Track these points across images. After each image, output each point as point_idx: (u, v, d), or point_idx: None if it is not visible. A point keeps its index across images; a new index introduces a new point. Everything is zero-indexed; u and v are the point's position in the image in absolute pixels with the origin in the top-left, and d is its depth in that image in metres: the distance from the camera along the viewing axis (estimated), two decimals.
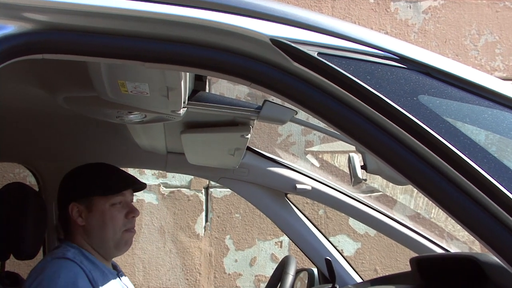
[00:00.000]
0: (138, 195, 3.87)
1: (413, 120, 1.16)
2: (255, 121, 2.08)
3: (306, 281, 2.67)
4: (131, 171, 3.74)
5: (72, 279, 1.81)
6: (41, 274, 1.84)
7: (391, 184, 4.00)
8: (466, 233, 1.16)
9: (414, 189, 1.21)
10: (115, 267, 2.13)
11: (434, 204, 1.18)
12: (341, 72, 1.20)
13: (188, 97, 1.88)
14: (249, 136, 2.04)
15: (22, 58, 1.16)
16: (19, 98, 1.95)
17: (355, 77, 1.20)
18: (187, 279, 3.94)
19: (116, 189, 2.03)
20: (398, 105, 1.17)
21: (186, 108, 1.88)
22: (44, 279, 1.81)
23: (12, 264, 2.24)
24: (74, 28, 1.16)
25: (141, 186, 2.16)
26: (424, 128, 1.16)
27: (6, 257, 2.02)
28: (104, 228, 2.01)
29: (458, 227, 3.79)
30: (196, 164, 2.54)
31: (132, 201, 2.13)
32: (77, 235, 2.03)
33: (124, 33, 1.18)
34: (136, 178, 2.15)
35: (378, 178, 3.97)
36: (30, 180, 3.32)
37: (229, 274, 3.99)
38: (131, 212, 2.06)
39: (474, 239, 1.14)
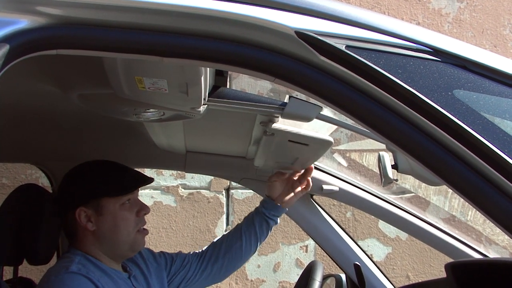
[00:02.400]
0: (156, 197, 3.89)
1: (448, 117, 1.15)
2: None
3: None
4: (148, 171, 3.78)
5: None
6: None
7: (423, 184, 3.97)
8: (506, 237, 1.15)
9: (449, 189, 1.20)
10: (125, 268, 2.13)
11: (470, 206, 1.17)
12: (371, 66, 1.20)
13: (208, 93, 1.89)
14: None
15: (35, 54, 1.17)
16: (31, 96, 1.98)
17: (385, 71, 1.19)
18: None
19: (127, 189, 2.02)
20: (431, 101, 1.17)
21: (206, 105, 1.89)
22: None
23: (25, 270, 2.27)
24: (89, 22, 1.17)
25: (151, 181, 2.14)
26: (459, 125, 1.15)
27: (19, 262, 2.04)
28: (117, 230, 1.99)
29: (497, 230, 3.75)
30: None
31: (138, 196, 2.12)
32: (86, 241, 2.01)
33: (141, 27, 1.19)
34: (143, 174, 2.13)
35: (410, 178, 3.94)
36: (42, 181, 3.37)
37: (251, 281, 4.00)
38: (142, 209, 2.05)
39: None
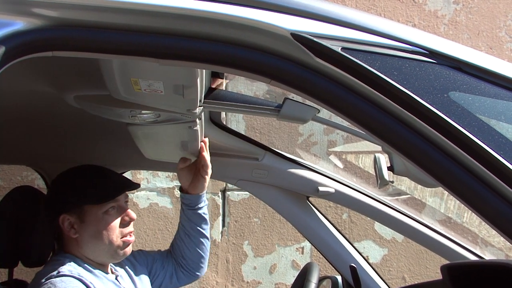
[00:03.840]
0: (152, 199, 3.89)
1: (443, 118, 1.16)
2: (203, 113, 2.07)
3: None
4: (144, 172, 3.77)
5: None
6: None
7: (419, 186, 3.98)
8: (502, 238, 1.15)
9: (445, 191, 1.21)
10: (112, 270, 2.11)
11: (466, 208, 1.17)
12: (367, 68, 1.20)
13: (204, 95, 1.89)
14: (197, 128, 2.01)
15: (31, 55, 1.17)
16: (27, 97, 1.97)
17: (381, 73, 1.20)
18: (203, 287, 3.95)
19: (109, 196, 1.97)
20: (427, 103, 1.17)
21: (202, 107, 1.89)
22: None
23: (20, 272, 2.27)
24: (85, 24, 1.18)
25: (136, 186, 2.10)
26: (455, 127, 1.15)
27: (15, 264, 2.04)
28: (99, 238, 1.96)
29: (493, 232, 3.76)
30: (154, 159, 2.53)
31: (127, 202, 2.07)
32: (71, 247, 1.98)
33: (137, 29, 1.19)
34: (128, 179, 2.09)
35: (406, 180, 3.95)
36: (38, 183, 3.36)
37: (247, 282, 4.00)
38: (127, 216, 2.00)
39: (511, 245, 1.14)
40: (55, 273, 1.85)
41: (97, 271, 1.97)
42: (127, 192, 2.07)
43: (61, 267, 1.88)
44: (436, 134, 1.16)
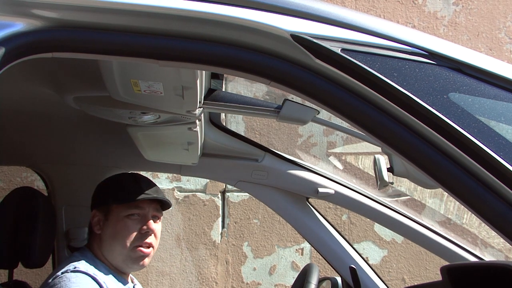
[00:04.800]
0: None
1: (443, 120, 1.16)
2: (203, 114, 2.06)
3: None
4: (143, 174, 3.77)
5: None
6: None
7: (419, 187, 3.98)
8: (502, 240, 1.15)
9: (444, 192, 1.21)
10: (132, 280, 2.13)
11: (466, 209, 1.17)
12: (366, 69, 1.20)
13: (204, 96, 1.89)
14: (197, 129, 2.02)
15: (31, 57, 1.17)
16: (27, 99, 1.98)
17: (381, 74, 1.20)
18: None
19: (130, 198, 2.01)
20: (427, 104, 1.17)
21: (202, 108, 1.89)
22: None
23: (20, 273, 2.27)
24: (84, 25, 1.17)
25: (164, 201, 2.10)
26: (455, 128, 1.15)
27: (14, 265, 2.04)
28: (115, 239, 2.00)
29: (493, 233, 3.75)
30: (154, 161, 2.53)
31: (157, 221, 2.09)
32: (94, 244, 2.05)
33: (137, 30, 1.19)
34: (159, 193, 2.10)
35: (406, 182, 3.95)
36: (38, 184, 3.36)
37: (247, 283, 4.00)
38: (145, 225, 2.02)
39: (511, 246, 1.13)
40: (71, 268, 1.89)
41: (113, 276, 2.00)
42: (158, 212, 2.09)
43: (78, 264, 1.91)
44: (436, 135, 1.16)
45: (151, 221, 2.04)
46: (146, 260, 2.04)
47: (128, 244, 2.00)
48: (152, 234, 2.04)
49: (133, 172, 2.16)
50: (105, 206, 2.05)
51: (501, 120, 1.20)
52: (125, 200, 2.01)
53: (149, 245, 2.03)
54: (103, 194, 2.10)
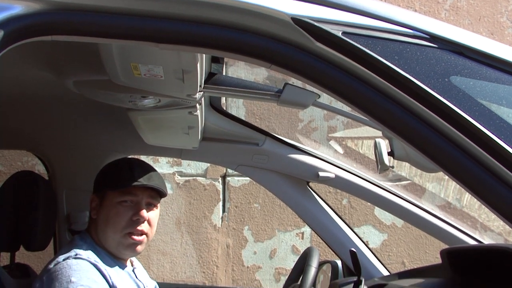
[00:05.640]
0: None
1: (444, 103, 1.15)
2: (203, 98, 2.05)
3: (330, 274, 2.67)
4: (144, 158, 3.77)
5: (86, 280, 1.81)
6: (53, 279, 1.82)
7: (419, 172, 3.98)
8: (501, 223, 1.15)
9: (445, 177, 1.21)
10: (132, 263, 2.13)
11: (466, 192, 1.17)
12: (367, 53, 1.19)
13: (204, 80, 1.88)
14: (197, 113, 2.01)
15: (30, 40, 1.16)
16: (26, 82, 1.97)
17: (382, 58, 1.19)
18: (203, 272, 3.97)
19: (120, 184, 2.00)
20: (428, 87, 1.16)
21: (202, 92, 1.88)
22: (56, 285, 1.80)
23: (22, 256, 2.28)
24: (84, 7, 1.17)
25: (159, 189, 2.06)
26: (456, 111, 1.14)
27: (16, 248, 2.04)
28: (107, 224, 1.99)
29: (493, 216, 3.76)
30: (155, 145, 2.53)
31: (152, 209, 2.06)
32: (91, 228, 2.05)
33: (136, 13, 1.18)
34: (154, 181, 2.05)
35: (406, 167, 3.95)
36: (38, 168, 3.36)
37: (247, 267, 4.01)
38: (136, 213, 2.00)
39: (510, 229, 1.13)
40: (73, 254, 1.89)
41: (112, 260, 2.00)
42: (153, 199, 2.06)
43: (79, 250, 1.92)
44: (437, 118, 1.16)
45: (143, 209, 2.01)
46: (139, 247, 2.02)
47: (120, 231, 1.99)
48: (145, 222, 2.01)
49: (133, 157, 2.14)
50: (101, 192, 2.04)
51: (502, 103, 1.19)
52: (116, 186, 2.00)
53: (141, 233, 2.01)
54: (100, 180, 2.09)
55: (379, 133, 1.89)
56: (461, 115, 1.14)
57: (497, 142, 1.12)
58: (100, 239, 2.01)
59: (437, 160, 1.18)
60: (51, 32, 1.17)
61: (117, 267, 1.99)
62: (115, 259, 2.01)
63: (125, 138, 2.56)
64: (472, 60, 1.22)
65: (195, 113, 1.99)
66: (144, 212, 2.01)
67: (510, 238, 3.82)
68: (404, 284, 2.03)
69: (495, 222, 3.87)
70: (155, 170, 2.10)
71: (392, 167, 1.94)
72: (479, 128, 1.13)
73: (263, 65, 1.25)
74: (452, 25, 1.29)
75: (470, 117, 1.14)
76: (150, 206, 2.04)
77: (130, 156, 2.53)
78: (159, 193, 2.06)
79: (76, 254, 1.89)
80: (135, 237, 2.00)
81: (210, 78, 1.95)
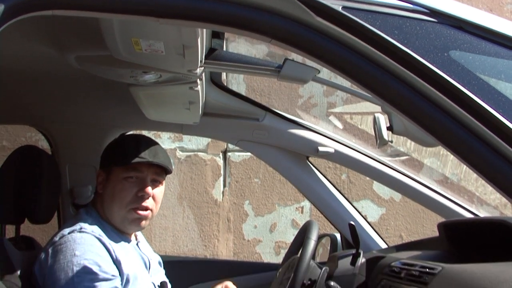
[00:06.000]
0: None
1: (444, 77, 1.15)
2: (204, 74, 2.03)
3: (329, 247, 2.69)
4: (146, 134, 3.77)
5: (90, 254, 1.83)
6: (57, 251, 1.84)
7: (417, 147, 3.98)
8: (498, 195, 1.15)
9: (442, 152, 1.20)
10: (136, 237, 2.14)
11: (464, 167, 1.17)
12: (367, 27, 1.18)
13: (205, 56, 1.87)
14: (198, 88, 2.00)
15: (31, 14, 1.15)
16: (28, 58, 1.96)
17: (382, 32, 1.18)
18: (205, 245, 3.99)
19: (125, 160, 1.99)
20: (428, 62, 1.16)
21: (203, 68, 1.87)
22: (61, 257, 1.82)
23: (27, 229, 2.28)
24: None
25: (164, 166, 2.04)
26: (455, 86, 1.14)
27: (21, 221, 2.05)
28: (113, 199, 2.00)
29: (489, 189, 3.77)
30: (156, 120, 2.52)
31: (157, 185, 2.06)
32: (97, 202, 2.05)
33: None
34: (159, 158, 2.03)
35: (406, 143, 3.95)
36: (42, 144, 3.36)
37: (248, 240, 4.03)
38: (141, 189, 1.99)
39: (506, 203, 1.13)
40: (77, 228, 1.90)
41: (117, 235, 2.01)
42: (158, 176, 2.06)
43: (84, 224, 1.92)
44: (436, 93, 1.15)
45: (148, 185, 2.01)
46: (144, 222, 2.03)
47: (125, 206, 1.99)
48: (150, 198, 2.02)
49: (139, 134, 2.14)
50: (108, 167, 2.04)
51: (501, 78, 1.19)
52: (122, 162, 1.99)
53: (146, 208, 2.01)
54: (106, 155, 2.09)
55: (378, 108, 1.88)
56: (460, 89, 1.14)
57: (495, 116, 1.12)
58: (106, 213, 2.02)
59: (435, 134, 1.18)
60: (52, 7, 1.16)
61: (121, 241, 2.00)
62: (119, 233, 2.02)
63: (126, 114, 2.55)
64: (471, 35, 1.21)
65: (196, 89, 1.98)
66: (149, 189, 2.01)
67: (506, 211, 3.83)
68: (402, 257, 2.04)
69: (492, 195, 3.88)
70: (161, 147, 2.09)
71: (391, 141, 1.93)
72: (478, 102, 1.13)
73: (263, 39, 1.24)
74: (452, 0, 1.28)
75: (469, 91, 1.13)
76: (155, 183, 2.05)
77: (136, 132, 2.53)
78: (164, 170, 2.06)
79: (81, 228, 1.89)
80: (140, 212, 2.01)
81: (211, 53, 1.94)
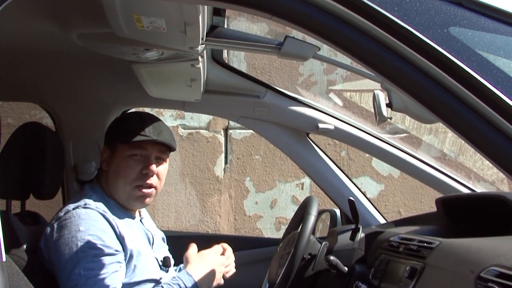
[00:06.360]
0: None
1: (443, 54, 1.14)
2: (205, 51, 2.02)
3: (328, 223, 2.70)
4: (148, 111, 3.77)
5: (94, 229, 1.84)
6: (62, 226, 1.86)
7: (416, 124, 3.97)
8: (495, 170, 1.15)
9: (440, 130, 1.20)
10: (140, 213, 2.15)
11: (462, 143, 1.17)
12: (367, 3, 1.17)
13: (206, 33, 1.86)
14: (200, 65, 1.99)
15: None
16: (31, 36, 1.95)
17: (381, 8, 1.17)
18: (207, 221, 4.01)
19: (129, 138, 1.99)
20: (427, 38, 1.15)
21: (204, 45, 1.86)
22: (65, 232, 1.84)
23: (32, 205, 2.29)
24: None
25: (168, 144, 2.04)
26: (455, 62, 1.13)
27: (26, 196, 2.06)
28: (117, 176, 2.00)
29: (486, 163, 3.77)
30: (158, 97, 2.51)
31: (161, 163, 2.06)
32: (101, 179, 2.06)
33: None
34: (164, 136, 2.03)
35: (405, 121, 3.95)
36: (46, 121, 3.36)
37: (249, 216, 4.05)
38: (145, 167, 2.00)
39: (503, 178, 1.14)
40: (82, 204, 1.91)
41: (121, 211, 2.02)
42: (162, 154, 2.06)
43: (89, 200, 1.93)
44: (436, 69, 1.15)
45: (153, 163, 2.02)
46: (148, 200, 2.04)
47: (129, 183, 2.00)
48: (154, 175, 2.02)
49: (144, 111, 2.13)
50: (113, 144, 2.05)
51: (500, 54, 1.18)
52: (126, 140, 1.99)
53: (150, 186, 2.02)
54: (111, 132, 2.09)
55: (378, 86, 1.87)
56: (460, 66, 1.13)
57: (494, 93, 1.11)
58: (111, 190, 2.02)
59: (435, 110, 1.17)
60: None
61: (125, 217, 2.01)
62: (124, 209, 2.03)
63: (129, 91, 2.55)
64: (471, 11, 1.20)
65: (197, 66, 1.97)
66: (153, 166, 2.01)
67: (503, 187, 3.84)
68: (401, 231, 2.05)
69: (489, 171, 3.89)
70: (164, 124, 2.09)
71: (390, 118, 1.93)
72: (477, 79, 1.12)
73: (263, 16, 1.23)
74: None
75: (469, 67, 1.13)
76: (159, 160, 2.05)
77: (140, 110, 2.52)
78: (168, 147, 2.06)
79: (85, 204, 1.90)
80: (144, 190, 2.02)
81: (212, 31, 1.93)
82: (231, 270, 2.04)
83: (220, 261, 1.98)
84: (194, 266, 1.90)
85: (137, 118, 2.06)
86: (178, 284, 1.83)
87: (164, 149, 2.06)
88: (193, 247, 1.95)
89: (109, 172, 2.03)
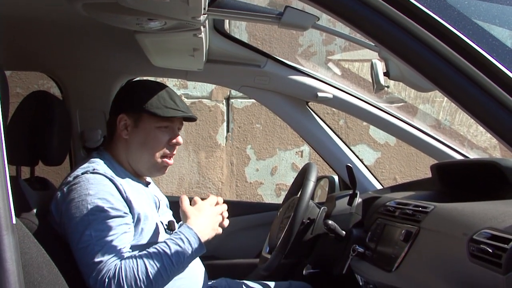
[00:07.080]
0: None
1: (440, 22, 1.13)
2: (207, 21, 2.01)
3: (327, 188, 2.71)
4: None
5: (103, 193, 1.85)
6: (72, 190, 1.86)
7: (412, 93, 3.96)
8: (488, 136, 1.15)
9: (436, 99, 1.20)
10: (146, 179, 2.16)
11: (456, 111, 1.16)
12: None
13: (208, 3, 1.84)
14: (202, 35, 1.97)
15: None
16: (37, 6, 1.93)
17: None
18: (209, 188, 4.03)
19: (166, 112, 2.00)
20: (424, 6, 1.14)
21: (206, 15, 1.84)
22: (75, 196, 1.84)
23: (41, 171, 2.30)
24: None
25: (190, 118, 2.09)
26: (451, 31, 1.12)
27: (35, 163, 2.06)
28: (144, 147, 2.01)
29: (480, 130, 3.77)
30: (162, 67, 2.50)
31: (180, 129, 2.09)
32: (117, 147, 2.04)
33: None
34: (189, 110, 2.08)
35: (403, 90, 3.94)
36: (54, 91, 3.35)
37: (250, 183, 4.07)
38: (174, 138, 2.04)
39: (495, 144, 1.14)
40: (90, 169, 1.91)
41: (130, 177, 2.02)
42: (181, 125, 2.10)
43: (97, 165, 1.93)
44: (432, 37, 1.14)
45: (178, 134, 2.06)
46: (166, 169, 2.09)
47: (157, 155, 2.01)
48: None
49: (163, 84, 2.11)
50: (136, 113, 2.01)
51: (495, 23, 1.17)
52: (163, 115, 1.99)
53: (173, 156, 2.07)
54: (135, 100, 2.03)
55: (376, 55, 1.86)
56: (456, 34, 1.12)
57: (490, 61, 1.11)
58: (130, 159, 2.03)
59: (431, 78, 1.17)
60: None
61: (133, 182, 2.02)
62: (134, 176, 2.04)
63: (133, 60, 2.53)
64: None
65: (199, 36, 1.96)
66: (179, 138, 2.05)
67: (495, 153, 3.85)
68: (397, 197, 2.06)
69: (483, 135, 3.89)
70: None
71: (387, 86, 1.93)
72: (472, 47, 1.11)
73: None
74: None
75: (464, 35, 1.12)
76: (179, 130, 2.09)
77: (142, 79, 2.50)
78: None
79: (94, 169, 1.90)
80: (169, 161, 2.05)
81: (214, 1, 1.91)
82: (226, 220, 2.05)
83: (216, 211, 1.99)
84: (193, 219, 1.91)
85: (166, 92, 2.06)
86: (181, 238, 1.85)
87: (183, 120, 2.11)
88: (185, 199, 1.95)
89: (130, 142, 2.02)
